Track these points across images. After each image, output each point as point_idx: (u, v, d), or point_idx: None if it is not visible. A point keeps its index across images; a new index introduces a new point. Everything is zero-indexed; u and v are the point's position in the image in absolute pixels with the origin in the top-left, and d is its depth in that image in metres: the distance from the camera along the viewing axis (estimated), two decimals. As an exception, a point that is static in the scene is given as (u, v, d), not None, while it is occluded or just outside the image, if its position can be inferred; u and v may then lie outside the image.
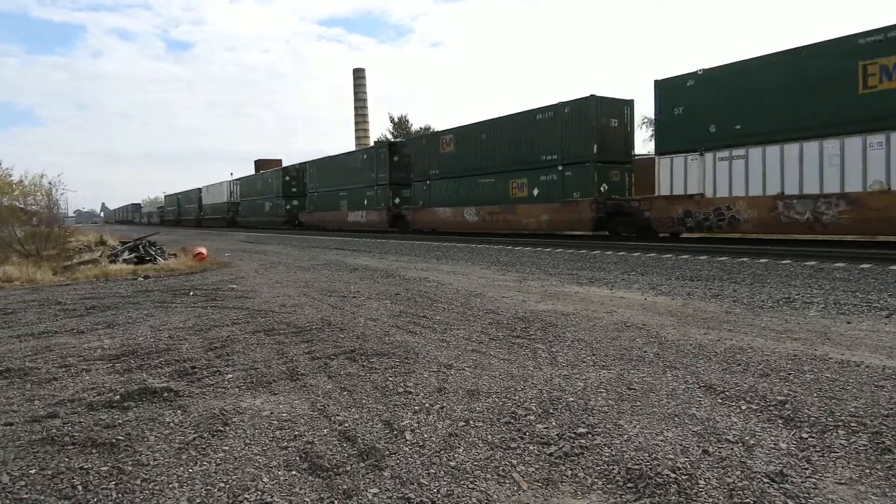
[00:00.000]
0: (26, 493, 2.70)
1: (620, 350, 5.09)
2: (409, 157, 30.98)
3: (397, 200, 32.32)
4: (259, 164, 69.59)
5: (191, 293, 9.15)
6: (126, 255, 15.05)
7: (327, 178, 39.80)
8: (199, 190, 69.17)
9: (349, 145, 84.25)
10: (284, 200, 45.47)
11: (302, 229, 41.47)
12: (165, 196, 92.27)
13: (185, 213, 76.00)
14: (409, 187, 30.82)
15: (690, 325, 6.11)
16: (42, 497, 2.67)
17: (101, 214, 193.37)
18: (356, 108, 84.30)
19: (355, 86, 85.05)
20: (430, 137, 30.65)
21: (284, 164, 56.41)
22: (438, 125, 61.79)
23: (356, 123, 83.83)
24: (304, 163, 44.46)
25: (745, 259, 12.14)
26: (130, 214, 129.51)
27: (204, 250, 15.65)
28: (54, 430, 3.41)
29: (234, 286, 9.96)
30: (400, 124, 67.78)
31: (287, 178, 45.77)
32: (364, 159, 35.66)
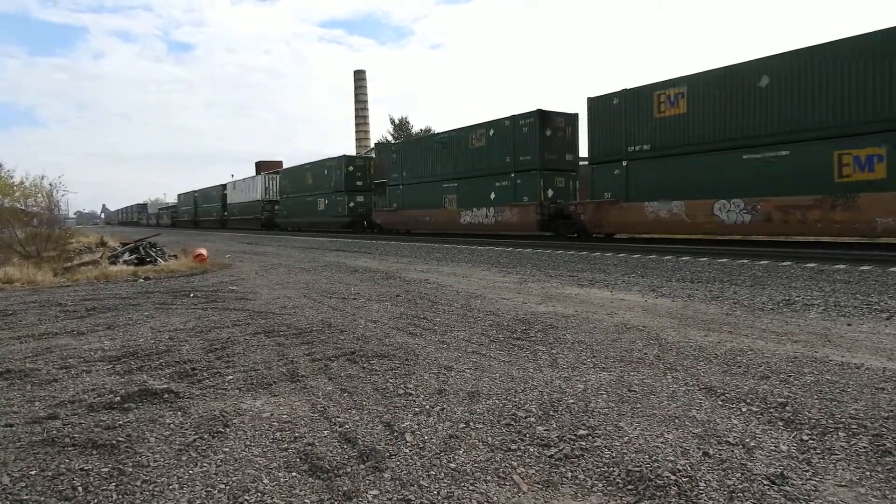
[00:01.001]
0: (26, 495, 2.70)
1: (621, 352, 5.09)
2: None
3: (550, 192, 23.19)
4: (260, 165, 69.42)
5: (191, 294, 9.15)
6: (126, 257, 15.07)
7: (424, 166, 29.17)
8: (223, 186, 61.15)
9: (349, 147, 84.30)
10: (347, 196, 36.84)
11: (380, 234, 32.61)
12: (180, 195, 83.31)
13: (203, 213, 68.58)
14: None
15: (691, 327, 6.11)
16: (42, 498, 2.67)
17: (102, 216, 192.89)
18: (357, 110, 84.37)
19: (356, 87, 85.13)
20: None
21: (286, 166, 55.40)
22: (439, 127, 61.84)
23: (357, 125, 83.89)
24: (392, 143, 39.00)
25: (745, 261, 12.14)
26: (135, 215, 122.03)
27: (204, 252, 15.66)
28: (55, 432, 3.41)
29: (235, 287, 9.96)
30: (401, 126, 67.86)
31: (351, 169, 37.05)
32: (503, 135, 24.26)
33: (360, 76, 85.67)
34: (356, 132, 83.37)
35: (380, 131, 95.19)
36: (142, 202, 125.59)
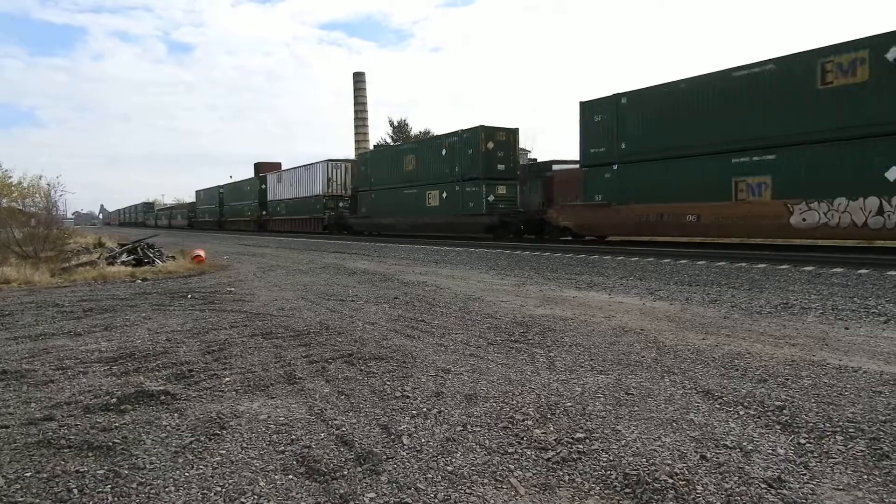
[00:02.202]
0: (21, 497, 2.69)
1: (618, 355, 5.09)
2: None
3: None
4: (259, 166, 68.81)
5: (189, 296, 9.13)
6: (124, 258, 15.04)
7: (668, 131, 17.50)
8: (262, 179, 51.04)
9: (349, 149, 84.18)
10: (485, 187, 24.57)
11: (556, 243, 20.87)
12: (199, 191, 71.80)
13: (232, 212, 57.68)
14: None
15: (688, 330, 6.11)
16: (37, 500, 2.66)
17: (100, 216, 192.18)
18: (356, 112, 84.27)
19: (355, 90, 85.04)
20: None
21: (284, 168, 52.29)
22: (437, 129, 61.80)
23: (356, 127, 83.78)
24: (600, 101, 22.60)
25: (743, 264, 12.15)
26: (140, 215, 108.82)
27: (202, 253, 15.64)
28: (50, 433, 3.40)
29: (232, 289, 9.95)
30: (399, 128, 67.86)
31: (490, 146, 25.29)
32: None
33: (359, 78, 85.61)
34: (355, 134, 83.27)
35: (379, 134, 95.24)
36: (148, 200, 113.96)
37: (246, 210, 54.02)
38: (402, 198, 30.61)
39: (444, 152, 27.55)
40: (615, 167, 19.08)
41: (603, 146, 19.49)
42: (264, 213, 49.81)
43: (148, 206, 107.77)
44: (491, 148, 25.30)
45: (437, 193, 28.03)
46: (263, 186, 50.19)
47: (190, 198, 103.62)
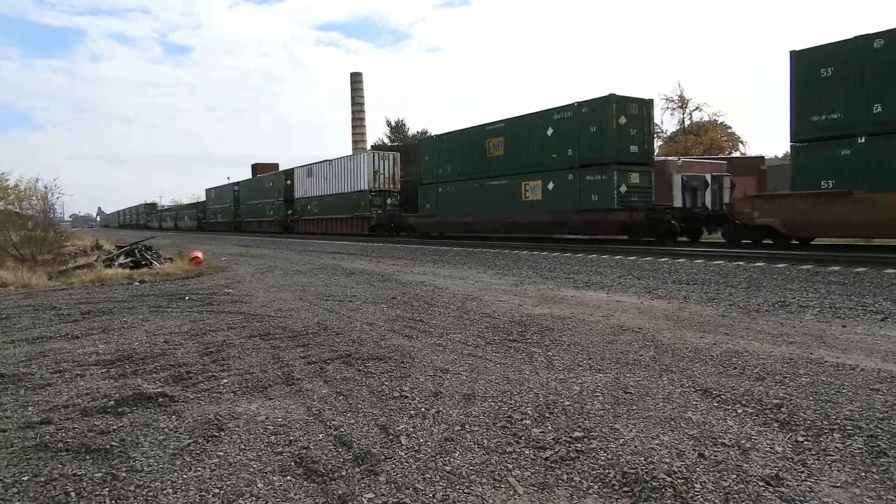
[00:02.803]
0: (19, 501, 2.68)
1: (616, 354, 5.09)
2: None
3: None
4: (256, 168, 68.62)
5: (186, 297, 9.12)
6: (122, 260, 15.02)
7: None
8: (287, 174, 44.43)
9: (347, 149, 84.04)
10: (616, 175, 19.19)
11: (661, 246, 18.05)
12: (209, 190, 65.33)
13: (250, 212, 51.22)
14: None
15: (686, 328, 6.11)
16: None
17: (98, 218, 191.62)
18: (353, 113, 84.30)
19: (353, 90, 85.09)
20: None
21: (282, 168, 51.16)
22: (435, 129, 61.79)
23: (353, 127, 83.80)
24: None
25: (741, 263, 12.17)
26: (142, 217, 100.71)
27: (200, 254, 15.63)
28: (48, 437, 3.39)
29: (230, 290, 9.94)
30: (397, 128, 67.87)
31: (623, 122, 19.47)
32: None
33: (356, 79, 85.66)
34: (353, 134, 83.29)
35: (376, 134, 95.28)
36: (149, 201, 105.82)
37: (268, 209, 47.43)
38: (484, 191, 24.53)
39: (550, 132, 21.45)
40: (861, 139, 13.55)
41: (838, 110, 13.99)
42: (290, 212, 43.45)
43: (150, 208, 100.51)
44: (623, 124, 19.27)
45: (538, 185, 21.93)
46: (289, 182, 43.58)
47: (188, 199, 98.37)
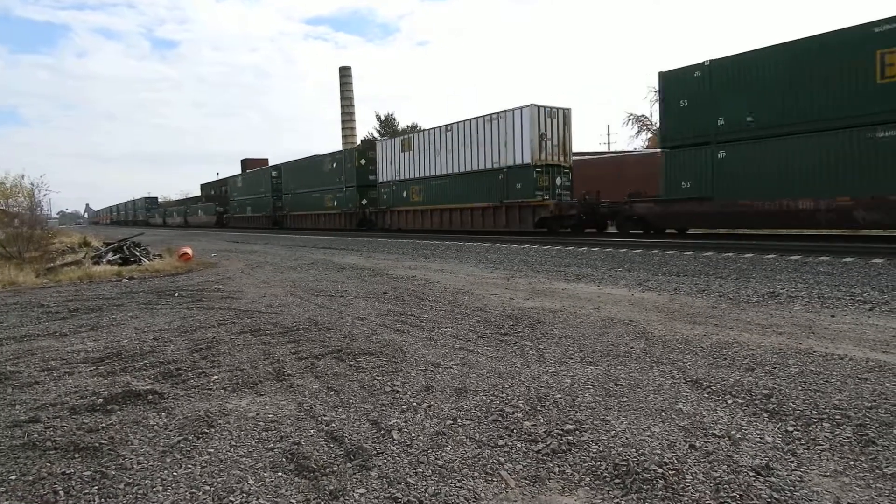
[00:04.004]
0: (7, 500, 2.65)
1: (608, 346, 5.10)
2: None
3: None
4: (245, 163, 68.06)
5: (176, 294, 9.06)
6: (110, 257, 14.90)
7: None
8: (359, 150, 33.14)
9: (336, 144, 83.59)
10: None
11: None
12: (233, 178, 53.52)
13: (298, 204, 38.49)
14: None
15: (677, 320, 6.14)
16: (23, 503, 2.63)
17: (86, 215, 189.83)
18: (343, 107, 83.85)
19: (341, 84, 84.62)
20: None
21: (272, 164, 47.64)
22: (425, 123, 61.48)
23: (343, 122, 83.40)
24: None
25: (730, 254, 12.23)
26: (141, 212, 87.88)
27: (189, 251, 15.53)
28: (36, 435, 3.36)
29: (220, 287, 9.88)
30: (387, 122, 67.64)
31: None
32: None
33: (345, 73, 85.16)
34: (342, 129, 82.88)
35: (366, 129, 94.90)
36: (150, 195, 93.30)
37: (328, 199, 34.48)
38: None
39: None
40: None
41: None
42: (365, 202, 31.49)
43: (151, 202, 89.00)
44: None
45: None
46: (363, 161, 31.36)
47: (177, 195, 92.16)
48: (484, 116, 23.36)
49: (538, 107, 21.21)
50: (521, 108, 21.52)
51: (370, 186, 31.44)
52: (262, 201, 44.18)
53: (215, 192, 64.22)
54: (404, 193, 28.37)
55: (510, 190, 22.02)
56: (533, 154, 21.12)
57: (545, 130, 21.41)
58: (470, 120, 24.08)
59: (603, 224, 21.42)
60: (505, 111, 22.30)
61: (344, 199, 33.25)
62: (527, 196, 21.29)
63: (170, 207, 78.93)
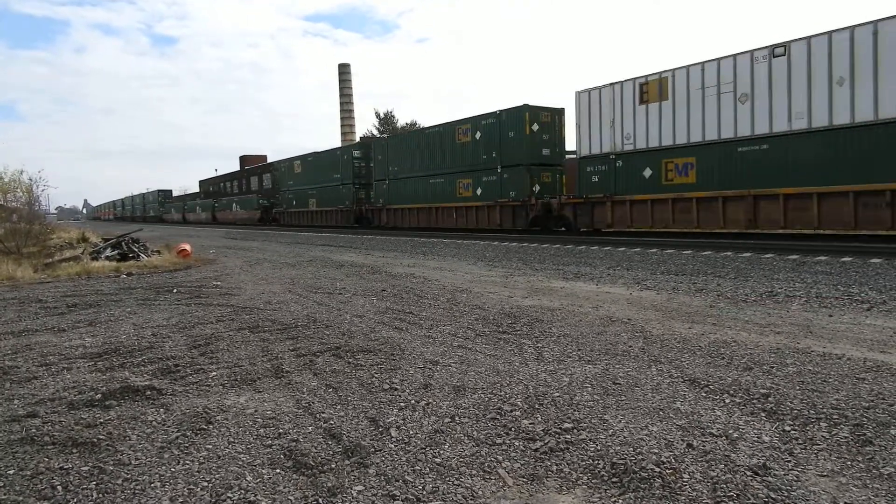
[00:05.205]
0: (4, 494, 2.65)
1: (606, 345, 5.11)
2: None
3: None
4: (244, 160, 67.52)
5: (174, 290, 9.06)
6: (108, 252, 14.88)
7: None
8: (530, 111, 20.67)
9: (335, 141, 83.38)
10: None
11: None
12: (288, 162, 40.43)
13: (398, 194, 27.54)
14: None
15: (675, 319, 6.14)
16: (21, 498, 2.63)
17: (84, 211, 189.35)
18: (342, 104, 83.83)
19: (341, 81, 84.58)
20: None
21: (270, 161, 46.36)
22: (425, 121, 61.25)
23: (342, 119, 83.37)
24: None
25: (728, 253, 12.24)
26: (152, 207, 78.17)
27: (188, 247, 15.51)
28: (34, 430, 3.36)
29: (219, 283, 9.87)
30: (386, 120, 67.56)
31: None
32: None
33: (344, 70, 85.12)
34: (341, 126, 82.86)
35: (365, 125, 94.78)
36: (165, 188, 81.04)
37: (461, 185, 23.69)
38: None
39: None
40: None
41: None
42: (536, 189, 20.82)
43: (165, 195, 77.38)
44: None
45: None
46: (536, 126, 20.80)
47: (178, 191, 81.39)
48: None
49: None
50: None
51: (548, 165, 21.27)
52: (337, 192, 33.12)
53: (213, 188, 60.56)
54: (643, 170, 17.10)
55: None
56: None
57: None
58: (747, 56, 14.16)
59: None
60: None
61: (497, 185, 21.77)
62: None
63: (190, 201, 66.74)
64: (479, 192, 23.01)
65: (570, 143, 21.23)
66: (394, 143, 29.78)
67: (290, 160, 40.53)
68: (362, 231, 29.31)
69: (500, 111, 21.93)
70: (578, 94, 18.80)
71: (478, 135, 22.96)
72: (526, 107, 20.90)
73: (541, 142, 21.12)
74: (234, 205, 50.75)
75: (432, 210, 25.79)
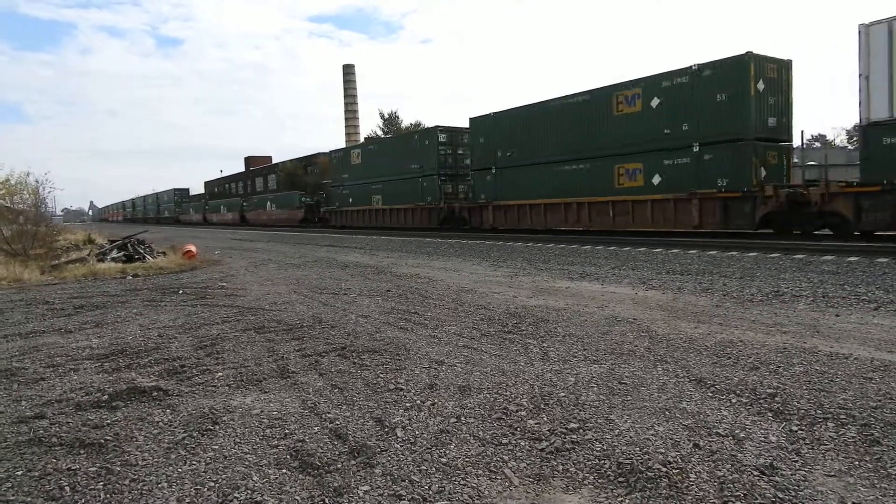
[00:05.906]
0: (13, 495, 2.67)
1: (611, 345, 5.10)
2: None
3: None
4: (249, 160, 67.55)
5: (180, 291, 9.08)
6: (114, 254, 14.94)
7: None
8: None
9: (339, 142, 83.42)
10: None
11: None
12: (353, 149, 33.95)
13: (513, 188, 21.53)
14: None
15: (681, 319, 6.13)
16: (29, 499, 2.64)
17: (90, 212, 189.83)
18: (346, 105, 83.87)
19: (345, 82, 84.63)
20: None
21: (275, 161, 45.62)
22: (429, 121, 61.13)
23: (346, 119, 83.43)
24: None
25: (734, 253, 12.20)
26: (167, 207, 75.08)
27: (193, 248, 15.55)
28: (41, 431, 3.37)
29: (225, 284, 9.90)
30: (390, 120, 67.58)
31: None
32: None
33: (348, 71, 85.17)
34: (345, 127, 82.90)
35: (369, 126, 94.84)
36: (181, 186, 75.55)
37: (626, 174, 17.84)
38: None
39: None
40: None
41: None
42: (765, 176, 15.03)
43: (181, 194, 72.16)
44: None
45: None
46: (762, 86, 15.13)
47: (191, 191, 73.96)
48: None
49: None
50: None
51: (773, 142, 15.87)
52: (415, 186, 26.87)
53: (218, 189, 58.57)
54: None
55: None
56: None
57: None
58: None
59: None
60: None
61: (692, 169, 16.26)
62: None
63: (212, 200, 60.27)
64: (655, 180, 16.96)
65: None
66: (505, 120, 22.17)
67: (346, 149, 34.43)
68: (466, 235, 21.84)
69: (698, 65, 15.97)
70: (866, 27, 12.00)
71: (654, 102, 16.89)
72: (750, 56, 14.90)
73: (766, 107, 15.35)
74: (268, 203, 43.31)
75: (572, 206, 19.51)
